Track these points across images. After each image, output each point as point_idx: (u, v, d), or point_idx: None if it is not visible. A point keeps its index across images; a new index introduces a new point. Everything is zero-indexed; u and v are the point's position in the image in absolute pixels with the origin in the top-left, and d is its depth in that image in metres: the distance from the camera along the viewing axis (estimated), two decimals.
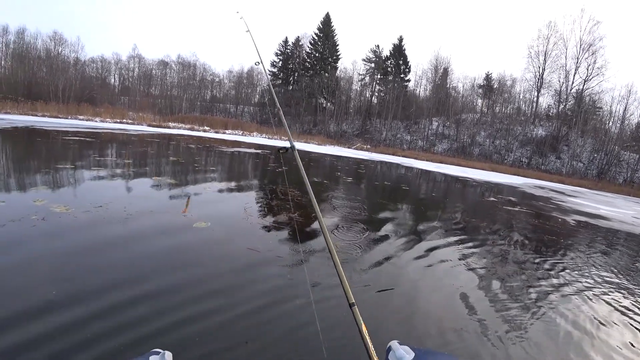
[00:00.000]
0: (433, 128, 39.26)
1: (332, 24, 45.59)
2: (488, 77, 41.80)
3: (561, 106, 36.18)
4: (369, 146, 32.08)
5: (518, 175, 23.99)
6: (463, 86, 43.69)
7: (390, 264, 3.08)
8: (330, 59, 45.47)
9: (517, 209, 7.94)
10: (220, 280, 2.30)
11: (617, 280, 3.67)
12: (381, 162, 19.20)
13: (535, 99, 38.76)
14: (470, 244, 4.17)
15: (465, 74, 52.90)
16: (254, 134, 29.71)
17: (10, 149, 7.49)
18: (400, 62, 44.01)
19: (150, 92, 49.23)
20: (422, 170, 17.03)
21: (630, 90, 32.41)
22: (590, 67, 33.92)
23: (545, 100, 39.90)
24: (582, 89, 34.73)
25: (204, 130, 27.49)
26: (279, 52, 47.00)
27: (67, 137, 10.99)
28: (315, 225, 3.92)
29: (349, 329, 1.77)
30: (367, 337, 0.84)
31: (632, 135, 32.22)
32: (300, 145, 24.77)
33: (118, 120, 26.13)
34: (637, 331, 2.55)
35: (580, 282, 3.43)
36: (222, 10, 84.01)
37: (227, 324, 1.83)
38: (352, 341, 1.71)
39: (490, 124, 37.95)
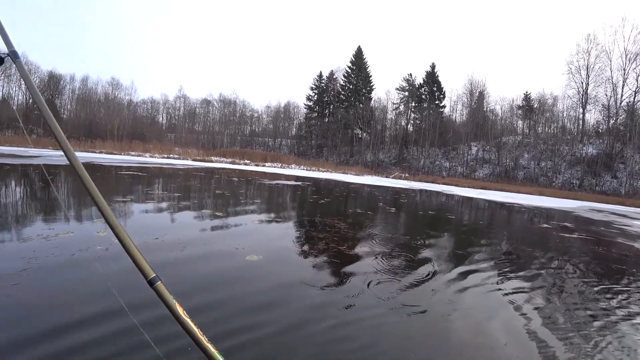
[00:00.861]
0: (472, 153, 38.36)
1: (364, 56, 47.26)
2: (527, 97, 40.64)
3: (611, 121, 34.18)
4: (407, 175, 31.86)
5: (570, 198, 22.64)
6: (501, 108, 42.80)
7: (450, 291, 3.14)
8: (364, 90, 46.71)
9: (575, 236, 7.54)
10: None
11: None
12: (421, 190, 19.00)
13: (581, 115, 36.99)
14: (526, 274, 4.10)
15: (503, 96, 51.82)
16: (292, 165, 30.73)
17: (75, 184, 8.47)
18: (434, 88, 44.21)
19: (195, 128, 53.18)
20: (464, 197, 16.63)
21: None
22: (639, 77, 32.10)
23: (593, 116, 37.97)
24: (634, 102, 32.83)
25: (245, 164, 28.94)
26: (314, 86, 49.20)
27: (121, 171, 12.17)
28: (357, 252, 4.08)
29: None
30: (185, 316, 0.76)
31: None
32: (338, 176, 25.19)
33: (165, 155, 28.41)
34: None
35: None
36: (260, 48, 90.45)
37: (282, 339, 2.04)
38: None
39: (534, 146, 36.42)
